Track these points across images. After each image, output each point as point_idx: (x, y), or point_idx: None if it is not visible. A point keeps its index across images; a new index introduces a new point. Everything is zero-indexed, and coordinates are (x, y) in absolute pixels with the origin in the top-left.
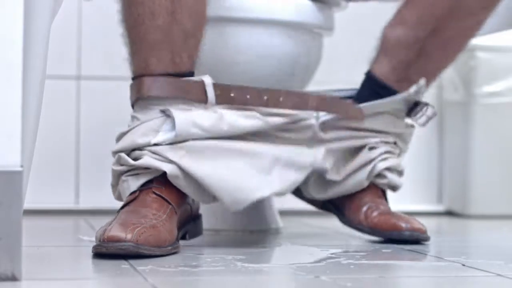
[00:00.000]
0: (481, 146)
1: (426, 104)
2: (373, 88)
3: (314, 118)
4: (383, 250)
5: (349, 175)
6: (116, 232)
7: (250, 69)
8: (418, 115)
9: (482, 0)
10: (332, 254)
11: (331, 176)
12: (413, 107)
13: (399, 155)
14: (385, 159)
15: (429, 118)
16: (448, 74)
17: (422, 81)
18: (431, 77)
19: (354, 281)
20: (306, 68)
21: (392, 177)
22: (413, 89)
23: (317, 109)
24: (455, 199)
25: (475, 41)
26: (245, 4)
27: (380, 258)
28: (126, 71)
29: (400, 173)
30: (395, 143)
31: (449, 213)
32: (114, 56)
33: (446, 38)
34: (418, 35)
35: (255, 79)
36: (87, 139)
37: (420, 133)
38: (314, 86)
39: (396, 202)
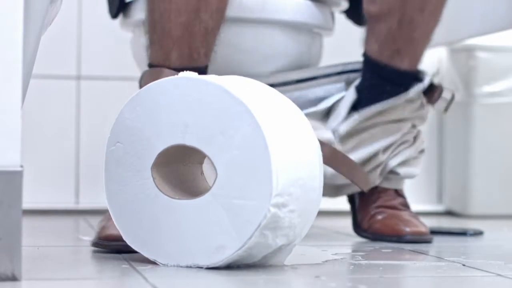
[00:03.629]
0: (481, 146)
1: (441, 87)
2: (371, 69)
3: (330, 131)
4: (383, 250)
5: None
6: (115, 230)
7: (251, 69)
8: (435, 100)
9: None
10: (332, 254)
11: (343, 180)
12: (429, 92)
13: (415, 137)
14: (397, 154)
15: (449, 102)
16: (448, 74)
17: (427, 80)
18: (420, 44)
19: (354, 281)
20: (306, 67)
21: (405, 171)
22: (418, 85)
23: (327, 161)
24: (455, 199)
25: (475, 41)
26: (246, 4)
27: (380, 258)
28: (126, 71)
29: (421, 153)
30: (413, 126)
31: (449, 213)
32: (114, 56)
33: (422, 1)
34: (392, 5)
35: (256, 78)
36: (87, 139)
37: None
38: None
39: None
